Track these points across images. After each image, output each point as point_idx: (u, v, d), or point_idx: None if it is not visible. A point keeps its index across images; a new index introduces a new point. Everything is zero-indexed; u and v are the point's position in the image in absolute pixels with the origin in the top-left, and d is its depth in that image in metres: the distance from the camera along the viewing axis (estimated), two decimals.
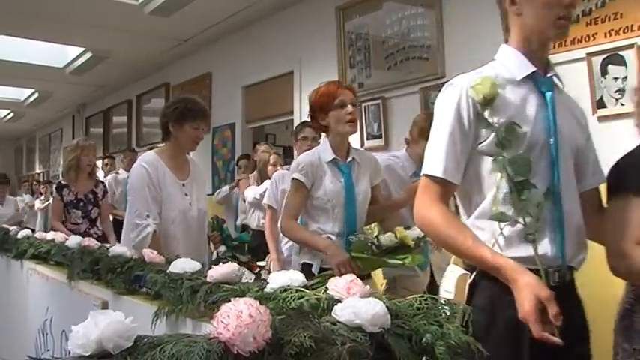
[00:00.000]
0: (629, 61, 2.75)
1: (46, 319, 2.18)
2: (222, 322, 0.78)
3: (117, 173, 6.18)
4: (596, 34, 2.90)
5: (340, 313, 0.90)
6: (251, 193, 4.09)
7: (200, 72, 6.37)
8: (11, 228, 3.54)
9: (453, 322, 0.94)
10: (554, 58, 3.13)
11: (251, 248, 2.93)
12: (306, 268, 2.11)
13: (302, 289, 1.11)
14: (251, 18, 5.39)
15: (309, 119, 2.37)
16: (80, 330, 0.77)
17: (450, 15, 3.68)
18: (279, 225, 2.29)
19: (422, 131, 2.45)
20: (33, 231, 3.34)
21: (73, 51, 6.74)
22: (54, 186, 3.63)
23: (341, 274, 1.49)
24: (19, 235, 3.11)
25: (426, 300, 0.99)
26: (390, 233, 1.97)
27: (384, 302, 0.92)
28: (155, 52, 6.54)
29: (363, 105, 4.28)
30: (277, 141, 6.81)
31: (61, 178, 3.80)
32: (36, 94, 8.79)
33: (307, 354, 0.78)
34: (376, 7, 4.24)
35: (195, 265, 1.47)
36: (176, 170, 2.47)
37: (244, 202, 4.41)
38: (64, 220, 3.87)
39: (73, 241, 2.36)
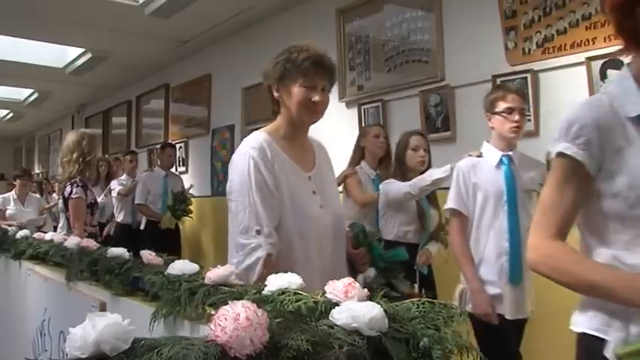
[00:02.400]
0: None
1: (44, 320, 2.17)
2: (219, 324, 0.78)
3: (151, 170, 5.91)
4: (595, 38, 2.90)
5: (338, 316, 0.89)
6: (402, 186, 2.93)
7: (200, 73, 6.37)
8: (10, 228, 3.53)
9: (450, 326, 0.94)
10: (554, 62, 3.14)
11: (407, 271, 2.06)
12: (590, 347, 1.10)
13: (300, 292, 1.10)
14: (251, 20, 5.40)
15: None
16: (77, 332, 0.77)
17: (450, 18, 3.68)
18: (528, 255, 1.17)
19: None
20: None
21: (72, 51, 6.74)
22: (77, 184, 3.15)
23: None
24: (18, 236, 3.11)
25: (423, 304, 0.99)
26: None
27: (381, 306, 0.92)
28: (155, 53, 6.54)
29: (363, 107, 4.29)
30: None
31: (74, 177, 3.21)
32: (35, 95, 8.78)
33: (304, 357, 0.78)
34: (376, 10, 4.25)
35: (194, 267, 1.47)
36: (297, 157, 1.70)
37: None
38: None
39: (72, 241, 2.36)
